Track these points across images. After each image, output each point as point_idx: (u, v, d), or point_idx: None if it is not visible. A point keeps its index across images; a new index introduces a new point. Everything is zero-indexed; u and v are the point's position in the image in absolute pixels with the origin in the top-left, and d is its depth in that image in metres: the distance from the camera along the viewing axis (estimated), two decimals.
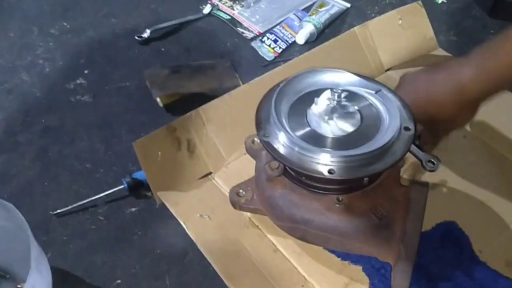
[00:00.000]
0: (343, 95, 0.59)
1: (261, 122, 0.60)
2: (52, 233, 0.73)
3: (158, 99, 0.88)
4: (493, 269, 0.65)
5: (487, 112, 0.85)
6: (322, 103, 0.59)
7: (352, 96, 0.62)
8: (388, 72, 0.93)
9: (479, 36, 1.05)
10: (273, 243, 0.69)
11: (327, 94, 0.60)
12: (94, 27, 1.06)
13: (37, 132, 0.86)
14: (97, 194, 0.75)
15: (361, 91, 0.63)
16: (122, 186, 0.75)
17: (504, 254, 0.68)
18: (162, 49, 1.02)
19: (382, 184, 0.61)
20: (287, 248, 0.68)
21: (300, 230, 0.62)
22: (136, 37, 1.02)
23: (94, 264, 0.69)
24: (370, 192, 0.60)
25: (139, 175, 0.75)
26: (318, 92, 0.61)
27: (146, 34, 1.02)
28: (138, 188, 0.76)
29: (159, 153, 0.73)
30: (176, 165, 0.75)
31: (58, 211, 0.74)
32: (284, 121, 0.60)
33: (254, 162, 0.70)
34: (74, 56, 1.00)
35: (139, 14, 1.10)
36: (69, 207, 0.74)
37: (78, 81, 0.95)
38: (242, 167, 0.77)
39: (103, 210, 0.75)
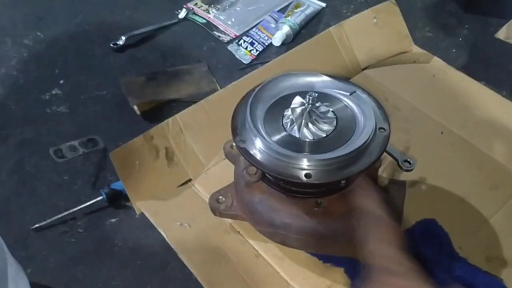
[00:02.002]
0: (317, 98, 0.59)
1: (237, 128, 0.60)
2: (31, 248, 0.72)
3: (135, 107, 0.88)
4: (473, 265, 0.65)
5: (463, 107, 0.86)
6: (296, 106, 0.59)
7: (326, 98, 0.62)
8: (365, 71, 0.93)
9: (455, 31, 1.05)
10: (254, 248, 0.69)
11: (301, 97, 0.60)
12: (68, 36, 1.05)
13: (13, 145, 0.85)
14: (76, 206, 0.74)
15: (336, 93, 0.63)
16: (101, 197, 0.74)
17: (484, 250, 0.68)
18: (138, 55, 1.01)
19: (360, 185, 0.61)
20: (268, 253, 0.68)
21: (280, 235, 0.62)
22: (111, 45, 1.01)
23: (75, 278, 0.69)
24: (348, 194, 0.60)
25: (118, 185, 0.75)
26: (293, 96, 0.61)
27: (122, 41, 1.01)
28: (117, 199, 0.75)
29: (137, 162, 0.72)
30: (155, 173, 0.74)
31: (37, 225, 0.73)
32: (260, 126, 0.59)
33: (234, 167, 0.70)
34: (48, 66, 0.99)
35: (114, 21, 1.09)
36: (48, 221, 0.73)
37: (53, 92, 0.93)
38: (222, 173, 0.76)
39: (82, 223, 0.74)
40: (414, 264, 0.42)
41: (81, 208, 0.74)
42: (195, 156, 0.78)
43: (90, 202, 0.74)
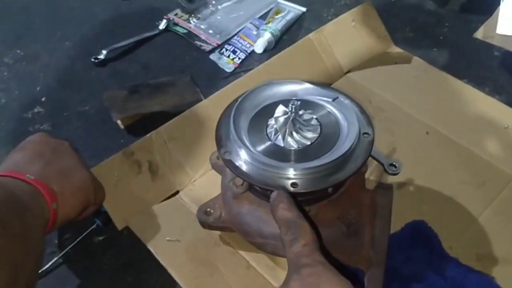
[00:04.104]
0: (300, 106, 0.59)
1: (221, 140, 0.60)
2: None
3: (118, 122, 0.87)
4: (464, 265, 0.65)
5: (447, 106, 0.87)
6: (280, 116, 0.59)
7: (309, 106, 0.62)
8: (347, 74, 0.94)
9: (435, 30, 1.06)
10: (245, 259, 0.68)
11: (284, 106, 0.60)
12: (49, 52, 1.04)
13: None
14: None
15: (319, 100, 0.63)
16: (95, 225, 0.73)
17: (474, 248, 0.68)
18: (120, 69, 1.00)
19: (348, 191, 0.61)
20: (259, 263, 0.68)
21: (270, 245, 0.61)
22: (92, 59, 1.00)
23: None
24: (336, 201, 0.60)
25: None
26: (276, 105, 0.61)
27: (102, 55, 1.01)
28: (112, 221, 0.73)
29: (116, 177, 0.71)
30: (138, 188, 0.73)
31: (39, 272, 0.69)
32: (244, 137, 0.59)
33: (221, 178, 0.69)
34: (29, 84, 0.98)
35: (94, 35, 1.08)
36: (53, 261, 0.70)
37: (35, 110, 0.92)
38: (210, 183, 0.76)
39: (69, 242, 0.73)
40: (322, 258, 0.49)
41: (79, 240, 0.72)
42: (181, 167, 0.78)
43: (87, 231, 0.72)
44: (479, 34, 0.85)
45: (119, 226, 0.72)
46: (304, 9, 1.11)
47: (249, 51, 1.02)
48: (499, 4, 0.85)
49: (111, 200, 0.70)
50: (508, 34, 0.82)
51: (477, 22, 1.03)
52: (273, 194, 0.55)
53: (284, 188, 0.55)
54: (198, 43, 1.05)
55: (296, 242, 0.50)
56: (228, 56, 1.01)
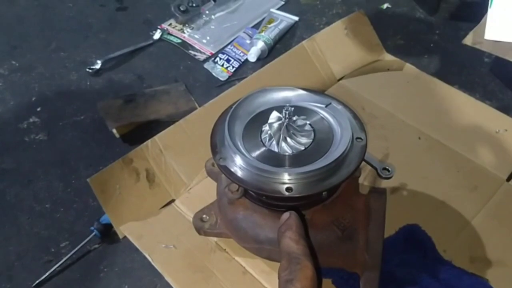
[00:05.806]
0: (294, 111, 0.60)
1: (216, 146, 0.60)
2: (16, 279, 0.71)
3: (114, 130, 0.88)
4: (458, 268, 0.66)
5: (438, 112, 0.88)
6: (274, 121, 0.60)
7: (303, 111, 0.62)
8: (340, 81, 0.95)
9: (426, 38, 1.07)
10: (241, 265, 0.69)
11: (278, 112, 0.60)
12: (44, 63, 1.05)
13: None
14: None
15: (312, 106, 0.63)
16: (93, 234, 0.73)
17: (468, 251, 0.69)
18: (115, 79, 1.01)
19: (342, 195, 0.61)
20: (256, 269, 0.68)
21: (265, 250, 0.62)
22: (88, 69, 1.01)
23: None
24: (331, 205, 0.60)
25: (106, 218, 0.73)
26: (270, 111, 0.61)
27: (97, 65, 1.02)
28: (109, 231, 0.74)
29: (117, 186, 0.72)
30: (137, 196, 0.74)
31: (37, 281, 0.70)
32: (239, 143, 0.60)
33: (216, 185, 0.70)
34: (25, 95, 0.98)
35: (89, 45, 1.09)
36: (51, 270, 0.71)
37: (31, 120, 0.93)
38: (205, 191, 0.77)
39: (66, 251, 0.73)
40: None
41: (77, 250, 0.73)
42: (176, 176, 0.78)
43: (85, 241, 0.73)
44: (468, 40, 0.86)
45: (121, 234, 0.72)
46: (296, 18, 1.13)
47: (242, 60, 1.03)
48: (486, 11, 0.86)
49: (112, 208, 0.71)
50: (496, 39, 0.83)
51: (466, 30, 1.04)
52: (284, 216, 0.53)
53: (297, 213, 0.54)
54: (192, 52, 1.06)
55: (290, 285, 0.45)
56: (222, 65, 1.02)
